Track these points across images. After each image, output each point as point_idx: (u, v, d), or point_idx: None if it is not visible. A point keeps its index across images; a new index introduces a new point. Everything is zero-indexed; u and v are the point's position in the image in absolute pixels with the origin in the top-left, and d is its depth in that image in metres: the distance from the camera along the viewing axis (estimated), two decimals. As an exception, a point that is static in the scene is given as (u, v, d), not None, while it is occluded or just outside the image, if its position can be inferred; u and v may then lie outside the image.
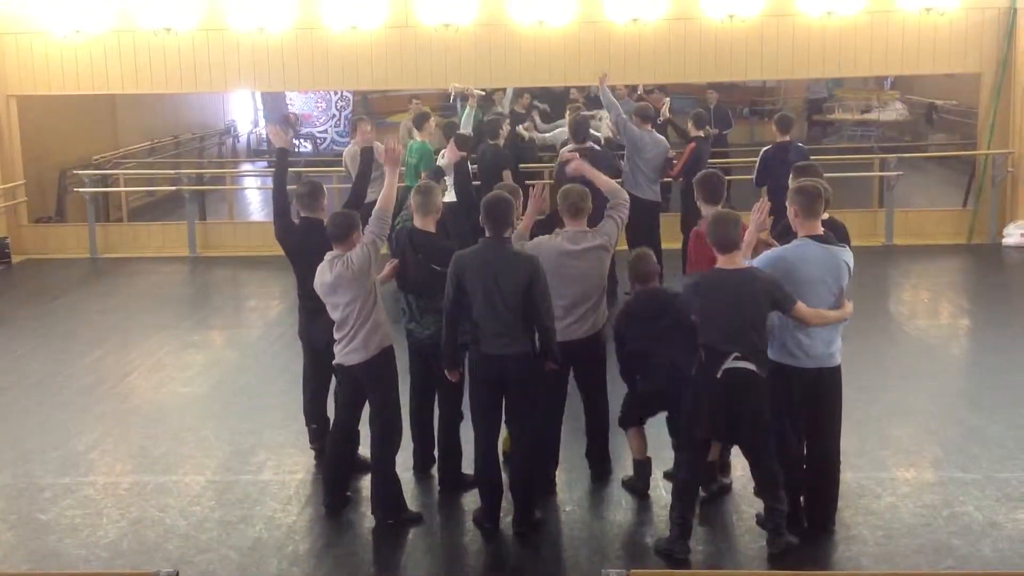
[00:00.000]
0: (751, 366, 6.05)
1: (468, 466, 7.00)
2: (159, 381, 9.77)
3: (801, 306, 6.11)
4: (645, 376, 6.87)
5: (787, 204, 6.39)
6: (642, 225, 10.90)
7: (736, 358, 6.03)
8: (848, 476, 6.91)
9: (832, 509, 6.56)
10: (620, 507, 6.97)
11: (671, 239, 11.89)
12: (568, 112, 13.82)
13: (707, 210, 7.08)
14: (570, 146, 10.96)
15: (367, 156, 8.17)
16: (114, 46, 14.96)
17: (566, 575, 6.22)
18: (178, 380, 9.77)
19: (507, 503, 6.72)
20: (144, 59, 15.00)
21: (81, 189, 15.71)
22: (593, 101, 16.00)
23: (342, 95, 24.36)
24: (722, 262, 6.16)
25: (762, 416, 6.17)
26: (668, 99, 15.23)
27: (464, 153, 9.10)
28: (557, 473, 7.27)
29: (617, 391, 7.34)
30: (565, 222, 6.98)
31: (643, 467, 7.09)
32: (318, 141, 24.40)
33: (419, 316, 7.07)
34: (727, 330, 6.04)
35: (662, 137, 11.80)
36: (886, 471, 7.27)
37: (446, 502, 7.10)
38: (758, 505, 6.59)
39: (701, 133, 11.60)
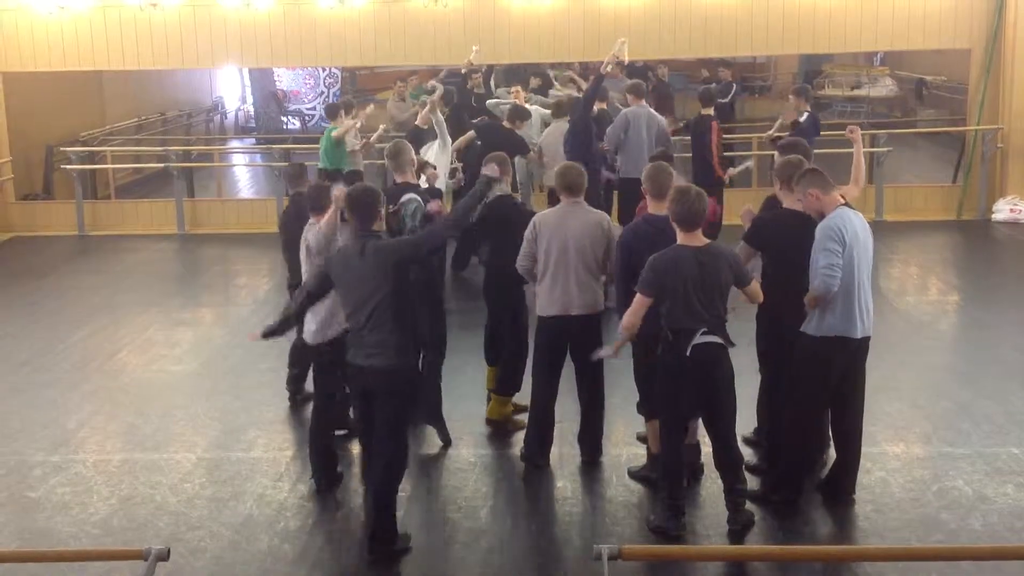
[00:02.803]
0: (718, 340, 6.03)
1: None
2: (149, 359, 9.74)
3: (756, 284, 6.16)
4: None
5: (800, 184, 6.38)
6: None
7: (704, 333, 5.99)
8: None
9: (855, 476, 6.65)
10: (611, 483, 6.97)
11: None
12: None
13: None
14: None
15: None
16: (100, 22, 14.85)
17: (558, 551, 6.24)
18: (168, 358, 9.74)
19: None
20: (130, 35, 14.90)
21: (68, 166, 15.61)
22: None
23: (330, 72, 24.22)
24: (682, 239, 6.05)
25: (731, 392, 6.17)
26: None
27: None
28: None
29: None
30: (562, 199, 7.01)
31: (655, 460, 7.00)
32: (306, 118, 24.26)
33: None
34: (692, 308, 5.97)
35: (653, 111, 11.78)
36: (876, 446, 7.28)
37: (438, 476, 7.11)
38: (752, 481, 6.60)
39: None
